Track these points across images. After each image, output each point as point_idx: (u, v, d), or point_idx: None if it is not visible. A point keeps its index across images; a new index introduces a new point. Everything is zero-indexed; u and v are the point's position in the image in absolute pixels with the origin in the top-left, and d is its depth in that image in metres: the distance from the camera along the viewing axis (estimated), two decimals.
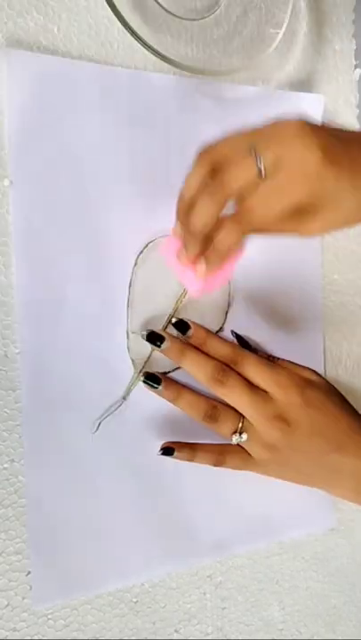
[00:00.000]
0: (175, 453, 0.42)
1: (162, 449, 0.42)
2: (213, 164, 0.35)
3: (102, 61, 0.42)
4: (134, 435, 0.43)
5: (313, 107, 0.50)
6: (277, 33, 0.47)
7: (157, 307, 0.44)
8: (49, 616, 0.39)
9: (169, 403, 0.43)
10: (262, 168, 0.33)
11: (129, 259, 0.43)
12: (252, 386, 0.42)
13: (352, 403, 0.47)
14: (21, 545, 0.39)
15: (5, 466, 0.39)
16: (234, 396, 0.41)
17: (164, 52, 0.43)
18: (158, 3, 0.44)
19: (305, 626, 0.49)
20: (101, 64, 0.42)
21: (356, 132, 0.35)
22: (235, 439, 0.42)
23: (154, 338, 0.41)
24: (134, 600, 0.42)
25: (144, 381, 0.42)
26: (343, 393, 0.47)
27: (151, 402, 0.43)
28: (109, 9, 0.40)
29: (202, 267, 0.39)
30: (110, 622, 0.41)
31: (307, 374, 0.45)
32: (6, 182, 0.39)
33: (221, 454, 0.43)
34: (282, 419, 0.41)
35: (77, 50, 0.42)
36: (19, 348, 0.39)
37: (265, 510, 0.47)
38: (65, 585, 0.40)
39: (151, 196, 0.44)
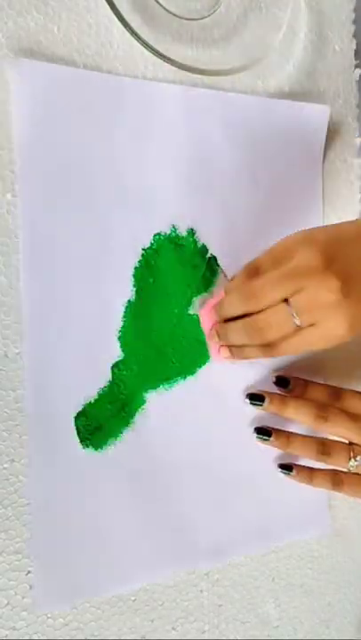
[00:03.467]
0: (293, 472, 0.46)
1: (281, 466, 0.47)
2: (254, 308, 0.39)
3: (102, 61, 0.42)
4: (137, 444, 0.43)
5: (318, 118, 0.50)
6: (277, 33, 0.47)
7: None
8: (48, 615, 0.40)
9: (171, 407, 0.44)
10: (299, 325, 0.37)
11: (132, 264, 0.43)
12: (353, 415, 0.45)
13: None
14: (21, 544, 0.39)
15: (5, 466, 0.39)
16: (339, 427, 0.44)
17: (164, 52, 0.42)
18: (158, 3, 0.44)
19: (300, 623, 0.50)
20: (112, 74, 0.42)
21: None
22: (352, 464, 0.44)
23: (255, 398, 0.46)
24: (133, 598, 0.43)
25: (257, 437, 0.46)
26: None
27: (155, 407, 0.44)
28: (109, 9, 0.40)
29: (226, 353, 0.43)
30: (109, 621, 0.42)
31: None
32: (9, 196, 0.39)
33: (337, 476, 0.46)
34: None
35: (77, 50, 0.41)
36: (19, 348, 0.40)
37: (262, 517, 0.47)
38: (66, 590, 0.40)
39: (155, 204, 0.44)
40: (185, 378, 0.45)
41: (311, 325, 0.37)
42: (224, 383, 0.46)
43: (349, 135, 0.53)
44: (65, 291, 0.41)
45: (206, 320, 0.44)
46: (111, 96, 0.42)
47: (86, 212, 0.42)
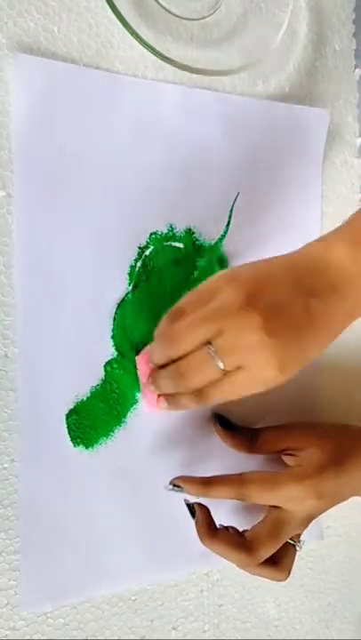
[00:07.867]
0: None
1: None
2: (174, 354, 0.36)
3: (102, 61, 0.42)
4: (129, 443, 0.43)
5: (318, 122, 0.50)
6: (277, 33, 0.47)
7: None
8: (48, 615, 0.40)
9: (164, 414, 0.43)
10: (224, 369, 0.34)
11: (128, 262, 0.43)
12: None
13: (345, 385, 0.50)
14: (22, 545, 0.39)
15: (5, 466, 0.39)
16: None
17: (164, 52, 0.42)
18: (158, 3, 0.44)
19: (300, 623, 0.50)
20: (111, 72, 0.42)
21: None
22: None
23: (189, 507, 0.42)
24: (133, 598, 0.43)
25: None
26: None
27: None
28: (109, 9, 0.40)
29: (163, 404, 0.39)
30: (109, 620, 0.42)
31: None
32: (3, 192, 0.39)
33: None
34: (317, 495, 0.41)
35: (77, 50, 0.41)
36: (19, 349, 0.39)
37: (254, 519, 0.47)
38: (53, 590, 0.40)
39: (152, 203, 0.44)
40: None
41: (239, 369, 0.34)
42: None
43: (349, 135, 0.53)
44: (59, 288, 0.41)
45: (143, 368, 0.41)
46: (110, 94, 0.42)
47: (83, 209, 0.42)
